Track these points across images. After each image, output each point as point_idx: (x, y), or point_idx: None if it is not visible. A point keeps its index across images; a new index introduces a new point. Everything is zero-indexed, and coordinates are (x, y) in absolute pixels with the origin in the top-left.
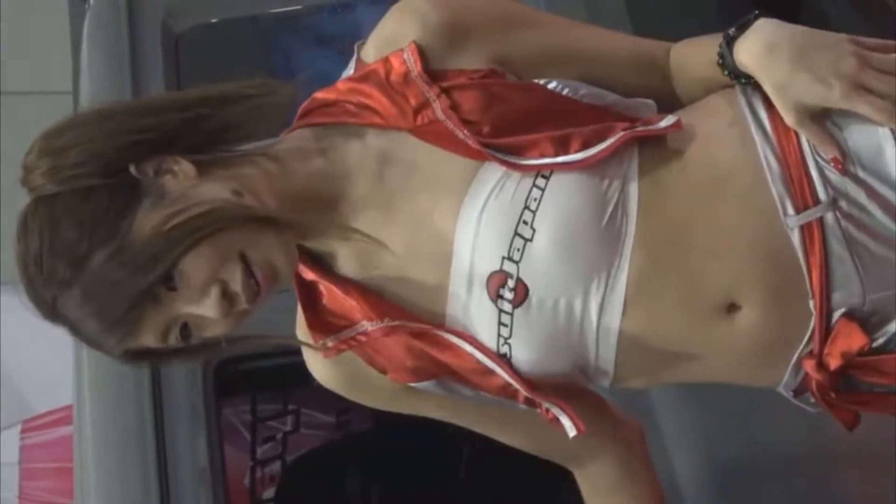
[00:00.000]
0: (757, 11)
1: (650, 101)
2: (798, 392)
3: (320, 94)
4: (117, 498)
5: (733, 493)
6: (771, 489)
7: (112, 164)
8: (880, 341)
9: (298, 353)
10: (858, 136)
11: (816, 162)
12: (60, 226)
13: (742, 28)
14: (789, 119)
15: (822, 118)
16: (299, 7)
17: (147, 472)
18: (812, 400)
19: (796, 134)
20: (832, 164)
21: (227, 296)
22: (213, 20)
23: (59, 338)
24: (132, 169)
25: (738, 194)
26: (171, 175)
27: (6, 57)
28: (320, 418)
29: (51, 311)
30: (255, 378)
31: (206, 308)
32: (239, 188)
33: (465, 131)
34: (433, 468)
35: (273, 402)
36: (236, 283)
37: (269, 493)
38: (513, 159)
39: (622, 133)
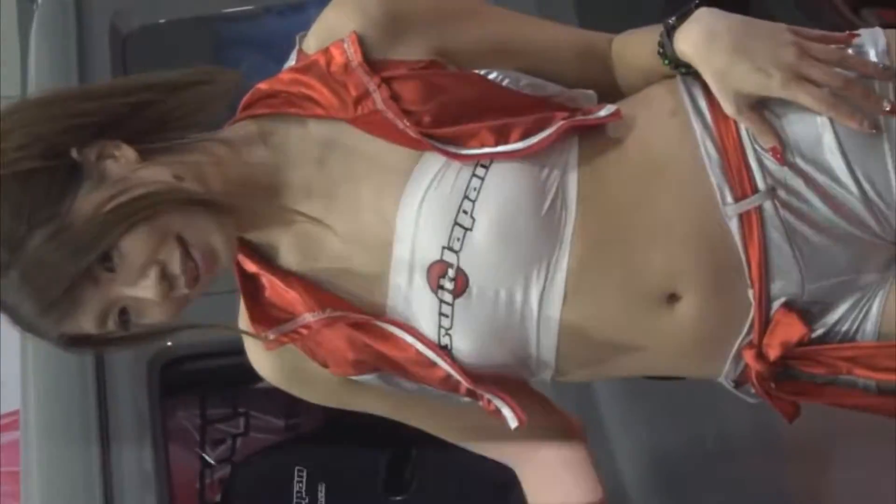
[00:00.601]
0: (698, 1)
1: (591, 92)
2: (739, 383)
3: (263, 86)
4: (61, 502)
5: (676, 487)
6: (714, 482)
7: (54, 147)
8: (819, 332)
9: (244, 352)
10: (797, 126)
11: (755, 151)
12: (2, 207)
13: (682, 18)
14: (729, 108)
15: (761, 108)
16: (249, 8)
17: (91, 476)
18: (752, 391)
19: (735, 123)
20: (771, 154)
21: (166, 278)
22: (161, 21)
23: (6, 342)
24: (74, 153)
25: (677, 183)
26: (113, 160)
27: None
28: (270, 421)
29: None
30: (203, 379)
31: (145, 289)
32: (180, 173)
33: (406, 121)
34: (380, 469)
35: (223, 404)
36: (175, 264)
37: (219, 496)
38: (452, 149)
39: (561, 122)
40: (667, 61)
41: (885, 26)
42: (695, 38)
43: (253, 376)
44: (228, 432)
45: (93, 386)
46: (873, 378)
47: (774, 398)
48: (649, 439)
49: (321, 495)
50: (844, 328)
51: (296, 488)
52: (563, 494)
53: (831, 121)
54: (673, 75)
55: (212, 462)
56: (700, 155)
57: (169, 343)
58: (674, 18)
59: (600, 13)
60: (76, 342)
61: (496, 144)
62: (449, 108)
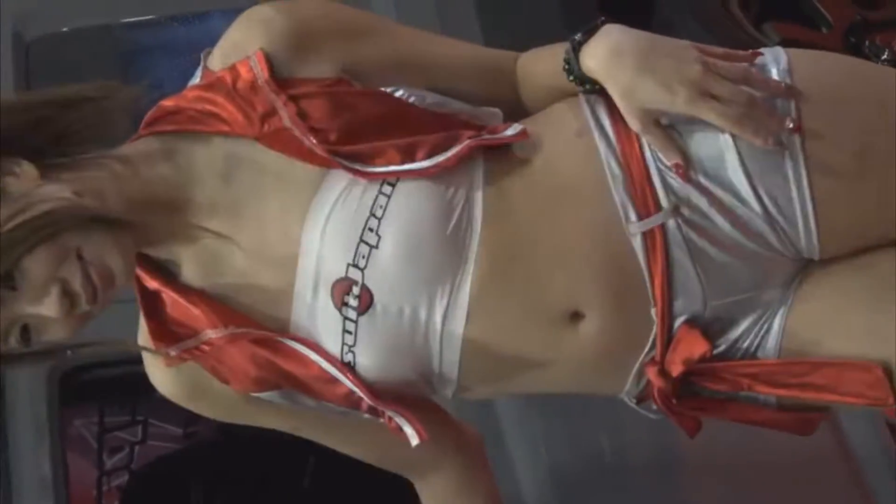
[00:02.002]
0: (603, 18)
1: (496, 110)
2: (640, 399)
3: (167, 103)
4: None
5: (575, 501)
6: (612, 497)
7: None
8: (721, 348)
9: (143, 362)
10: (700, 144)
11: (659, 169)
12: None
13: (588, 33)
14: (634, 125)
15: (665, 125)
16: (153, 17)
17: None
18: (654, 407)
19: (639, 141)
20: (674, 171)
21: (67, 295)
22: (65, 29)
23: None
24: None
25: (581, 202)
26: (13, 176)
27: None
28: (168, 429)
29: None
30: (102, 387)
31: (47, 307)
32: (80, 189)
33: (312, 139)
34: (277, 479)
35: (121, 412)
36: (76, 281)
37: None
38: (359, 166)
39: (468, 141)
40: (572, 77)
41: (784, 41)
42: (601, 54)
43: (152, 385)
44: (126, 440)
45: None
46: (774, 394)
47: (676, 414)
48: (548, 453)
49: None
50: (746, 344)
51: (193, 498)
52: None
53: (734, 139)
54: (577, 93)
55: (109, 470)
56: (604, 173)
57: (69, 352)
58: (580, 35)
59: (501, 25)
60: None
61: (402, 162)
62: (356, 126)
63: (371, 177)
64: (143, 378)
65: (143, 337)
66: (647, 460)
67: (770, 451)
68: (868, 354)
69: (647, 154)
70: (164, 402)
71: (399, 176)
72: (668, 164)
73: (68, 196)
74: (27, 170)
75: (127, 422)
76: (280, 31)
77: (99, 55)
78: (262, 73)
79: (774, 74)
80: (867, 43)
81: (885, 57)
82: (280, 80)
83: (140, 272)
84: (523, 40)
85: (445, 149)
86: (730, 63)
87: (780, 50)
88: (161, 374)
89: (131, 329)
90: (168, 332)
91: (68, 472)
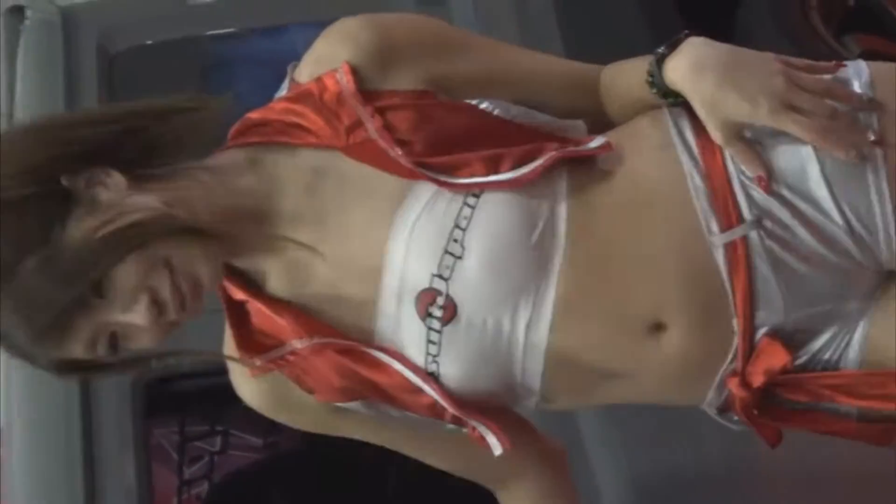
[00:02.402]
0: (687, 31)
1: (580, 123)
2: (722, 410)
3: (254, 115)
4: None
5: None
6: None
7: (43, 174)
8: (802, 359)
9: (226, 373)
10: (783, 157)
11: (741, 181)
12: None
13: (672, 47)
14: (717, 137)
15: (748, 137)
16: (234, 29)
17: (74, 493)
18: (735, 417)
19: (721, 154)
20: (757, 183)
21: (156, 304)
22: (149, 42)
23: None
24: (64, 180)
25: (664, 214)
26: (103, 187)
27: None
28: (249, 440)
29: None
30: (184, 398)
31: (136, 315)
32: (169, 200)
33: (398, 150)
34: (360, 490)
35: (201, 422)
36: (165, 290)
37: None
38: (444, 178)
39: (552, 153)
40: (655, 90)
41: (865, 53)
42: (684, 67)
43: (234, 396)
44: (206, 450)
45: (77, 404)
46: (855, 405)
47: (757, 424)
48: (631, 465)
49: None
50: (827, 356)
51: None
52: None
53: (816, 152)
54: (660, 106)
55: (189, 479)
56: (687, 186)
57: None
58: (664, 48)
59: (584, 38)
60: (67, 368)
61: (487, 174)
62: (441, 138)
63: (456, 188)
64: (225, 389)
65: (229, 347)
66: (728, 471)
67: (850, 462)
68: None
69: (730, 166)
70: (245, 413)
71: (484, 187)
72: (752, 176)
73: (158, 206)
74: (117, 180)
75: (207, 431)
76: (366, 43)
77: (182, 68)
78: (348, 85)
79: (857, 87)
80: None
81: None
82: (366, 92)
83: (227, 283)
84: (604, 54)
85: (530, 161)
86: (813, 75)
87: (861, 63)
88: (246, 385)
89: (216, 340)
90: (254, 343)
91: (153, 481)
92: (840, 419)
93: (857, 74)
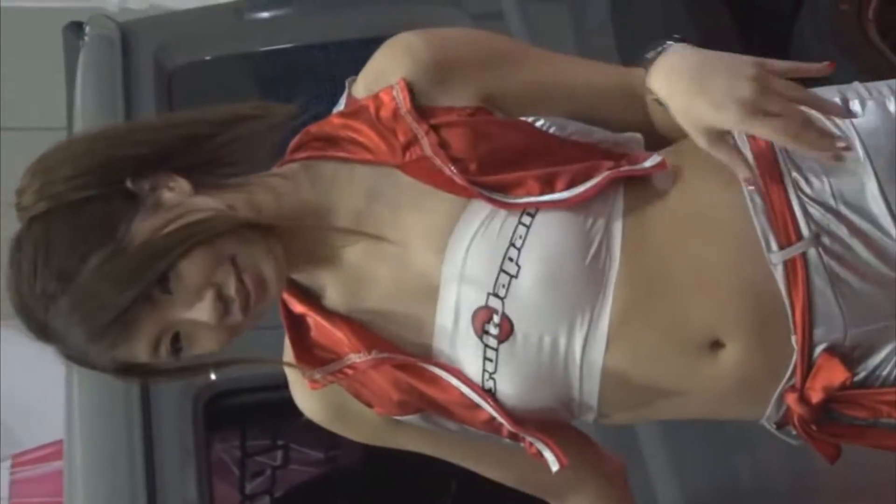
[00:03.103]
0: (677, 35)
1: (638, 136)
2: (780, 425)
3: (313, 129)
4: None
5: None
6: None
7: (107, 176)
8: (861, 375)
9: (287, 387)
10: (842, 175)
11: (799, 197)
12: (54, 238)
13: (658, 53)
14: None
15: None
16: (290, 45)
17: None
18: (794, 433)
19: (779, 171)
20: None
21: (221, 300)
22: (207, 58)
23: (50, 372)
24: (129, 183)
25: (721, 232)
26: (168, 190)
27: (5, 94)
28: (309, 454)
29: (42, 328)
30: (245, 413)
31: (201, 311)
32: (233, 203)
33: (453, 168)
34: (421, 502)
35: (262, 437)
36: (230, 286)
37: None
38: (499, 197)
39: (607, 173)
40: (654, 97)
41: None
42: (661, 75)
43: (294, 410)
44: (267, 464)
45: (138, 418)
46: None
47: (816, 440)
48: (689, 480)
49: None
50: (885, 372)
51: None
52: None
53: (874, 170)
54: None
55: (251, 494)
56: (745, 203)
57: (213, 377)
58: (651, 54)
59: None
60: (126, 370)
61: (542, 193)
62: (496, 156)
63: (511, 207)
64: (285, 403)
65: (288, 361)
66: (786, 486)
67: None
68: None
69: (788, 184)
70: (306, 427)
71: (538, 206)
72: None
73: (221, 207)
74: (181, 184)
75: (268, 446)
76: (422, 60)
77: (239, 83)
78: (404, 102)
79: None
80: None
81: None
82: (421, 108)
83: (287, 296)
84: None
85: (585, 179)
86: (785, 81)
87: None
88: (305, 397)
89: (275, 356)
90: (312, 356)
91: (214, 495)
92: None
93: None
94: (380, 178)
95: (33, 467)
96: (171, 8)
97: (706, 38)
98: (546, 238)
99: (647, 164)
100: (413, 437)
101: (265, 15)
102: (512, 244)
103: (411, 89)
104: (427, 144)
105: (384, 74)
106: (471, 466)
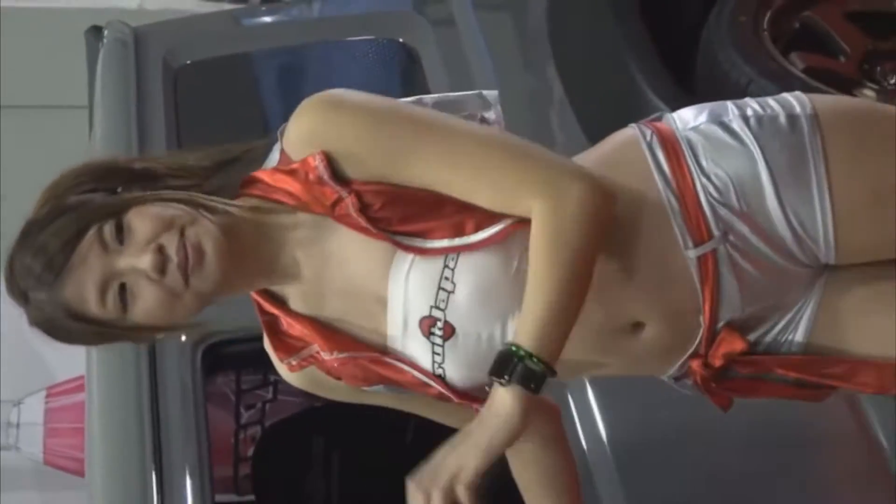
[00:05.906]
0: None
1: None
2: (677, 378)
3: (258, 175)
4: (118, 451)
5: (634, 467)
6: (662, 459)
7: (104, 179)
8: (752, 339)
9: None
10: (744, 178)
11: (710, 202)
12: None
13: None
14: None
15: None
16: (291, 44)
17: (143, 432)
18: (689, 384)
19: (691, 175)
20: None
21: (161, 254)
22: (209, 58)
23: None
24: (119, 190)
25: (643, 232)
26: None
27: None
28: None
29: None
30: (239, 358)
31: (143, 260)
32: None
33: (374, 230)
34: (385, 434)
35: (255, 372)
36: (172, 247)
37: (249, 451)
38: (419, 244)
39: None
40: None
41: (808, 68)
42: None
43: None
44: (260, 397)
45: (146, 360)
46: (792, 376)
47: (712, 393)
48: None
49: (335, 455)
50: (777, 339)
51: (314, 450)
52: (543, 469)
53: (772, 177)
54: (632, 133)
55: (245, 423)
56: (664, 206)
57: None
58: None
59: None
60: (77, 318)
61: (454, 237)
62: (412, 210)
63: (430, 253)
64: None
65: (269, 348)
66: (691, 430)
67: (790, 422)
68: (887, 354)
69: (698, 187)
70: None
71: (460, 250)
72: None
73: (194, 194)
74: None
75: (260, 382)
76: (331, 141)
77: (238, 80)
78: (324, 171)
79: (801, 115)
80: (878, 69)
81: (893, 81)
82: (340, 177)
83: (259, 299)
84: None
85: (495, 222)
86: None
87: (803, 95)
88: (288, 373)
89: None
90: (287, 345)
91: (209, 425)
92: (782, 386)
93: (802, 105)
94: (318, 221)
95: (65, 397)
96: (187, 9)
97: (626, 45)
98: (473, 265)
99: None
100: (380, 398)
101: (261, 20)
102: (446, 265)
103: (330, 162)
104: (350, 205)
105: (306, 140)
106: (430, 417)
